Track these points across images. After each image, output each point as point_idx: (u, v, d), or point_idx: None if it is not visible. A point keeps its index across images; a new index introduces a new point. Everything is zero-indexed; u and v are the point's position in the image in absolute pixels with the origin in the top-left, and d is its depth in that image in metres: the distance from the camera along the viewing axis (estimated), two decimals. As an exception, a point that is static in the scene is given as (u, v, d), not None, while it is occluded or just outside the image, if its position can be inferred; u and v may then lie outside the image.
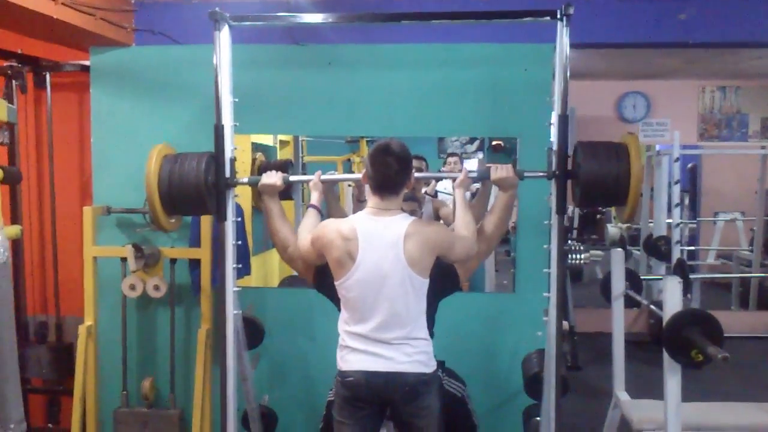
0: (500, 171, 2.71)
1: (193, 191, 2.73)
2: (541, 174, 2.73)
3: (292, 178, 2.88)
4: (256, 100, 3.44)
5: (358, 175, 2.86)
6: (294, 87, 3.69)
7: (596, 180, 2.61)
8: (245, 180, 2.89)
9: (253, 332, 3.32)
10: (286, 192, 2.90)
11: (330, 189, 3.08)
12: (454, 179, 2.78)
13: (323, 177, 2.85)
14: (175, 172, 2.73)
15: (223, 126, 2.80)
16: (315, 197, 2.80)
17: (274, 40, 3.64)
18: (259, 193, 2.87)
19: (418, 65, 3.64)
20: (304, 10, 3.54)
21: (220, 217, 2.83)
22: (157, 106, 3.75)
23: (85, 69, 3.83)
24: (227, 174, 2.82)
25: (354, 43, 3.66)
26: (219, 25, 2.77)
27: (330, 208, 3.15)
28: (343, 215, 3.10)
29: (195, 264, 3.66)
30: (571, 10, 2.60)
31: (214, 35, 2.77)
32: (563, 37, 2.63)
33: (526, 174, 2.75)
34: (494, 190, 2.86)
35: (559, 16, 2.64)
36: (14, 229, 3.25)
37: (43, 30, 3.44)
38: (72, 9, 3.18)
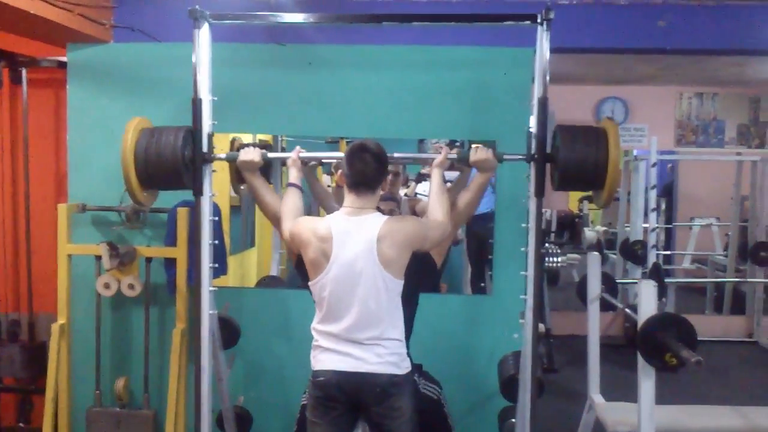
0: (480, 152, 2.73)
1: (169, 165, 2.69)
2: (520, 156, 2.73)
3: (271, 154, 2.86)
4: (236, 99, 3.42)
5: (337, 153, 2.84)
6: (274, 86, 3.68)
7: (575, 163, 2.61)
8: (223, 156, 2.86)
9: (229, 332, 3.30)
10: (265, 172, 2.89)
11: (310, 171, 3.07)
12: (432, 160, 2.78)
13: (302, 154, 2.82)
14: (152, 145, 2.70)
15: (201, 100, 2.77)
16: (293, 174, 2.77)
17: (255, 39, 3.63)
18: (237, 175, 2.85)
19: (400, 67, 3.65)
20: (286, 9, 3.52)
21: (196, 191, 2.80)
22: (134, 104, 3.71)
23: (62, 65, 3.78)
24: (204, 149, 2.80)
25: (335, 44, 3.65)
26: (199, 23, 2.74)
27: (311, 187, 3.14)
28: (325, 192, 3.09)
29: (170, 263, 3.62)
30: (552, 15, 2.61)
31: (194, 33, 2.75)
32: (543, 41, 2.64)
33: (505, 157, 2.76)
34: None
35: (539, 21, 2.65)
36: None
37: (20, 25, 3.39)
38: (49, 4, 3.14)
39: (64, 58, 3.76)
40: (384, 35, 3.66)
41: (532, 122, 2.71)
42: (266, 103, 3.68)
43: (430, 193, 2.69)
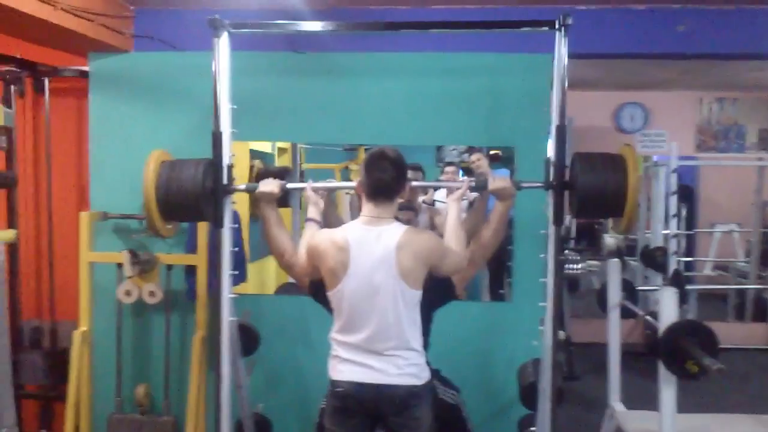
0: (498, 181, 2.72)
1: (190, 198, 2.72)
2: (539, 185, 2.73)
3: (290, 185, 2.87)
4: (255, 107, 3.45)
5: (350, 183, 2.86)
6: (292, 94, 3.70)
7: (593, 191, 2.61)
8: (243, 187, 2.88)
9: (249, 339, 3.32)
10: (283, 199, 2.90)
11: (326, 196, 3.08)
12: (450, 189, 2.78)
13: (314, 185, 2.84)
14: (173, 178, 2.72)
15: (221, 133, 2.79)
16: (312, 210, 2.79)
17: (273, 48, 3.65)
18: (256, 200, 2.87)
19: (417, 74, 3.65)
20: (304, 18, 3.54)
21: (217, 224, 2.82)
22: (155, 113, 3.75)
23: (84, 74, 3.83)
24: (225, 181, 2.81)
25: (353, 51, 3.67)
26: (218, 32, 2.77)
27: (326, 216, 3.14)
28: (339, 221, 3.09)
29: (191, 270, 3.65)
30: (570, 21, 2.61)
31: (214, 42, 2.77)
32: (561, 47, 2.64)
33: (523, 185, 2.75)
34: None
35: (557, 27, 2.65)
36: (9, 233, 3.25)
37: (42, 35, 3.44)
38: (71, 14, 3.18)
39: (85, 68, 3.80)
40: (401, 43, 3.68)
41: (550, 149, 2.70)
42: (285, 110, 3.70)
43: (447, 226, 2.65)
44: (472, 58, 3.61)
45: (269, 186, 2.79)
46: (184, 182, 2.72)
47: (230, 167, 2.85)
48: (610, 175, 2.60)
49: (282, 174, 3.11)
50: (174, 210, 2.77)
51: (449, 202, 2.72)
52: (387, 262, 2.43)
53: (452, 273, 2.64)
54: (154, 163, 2.75)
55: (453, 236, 2.61)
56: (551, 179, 2.69)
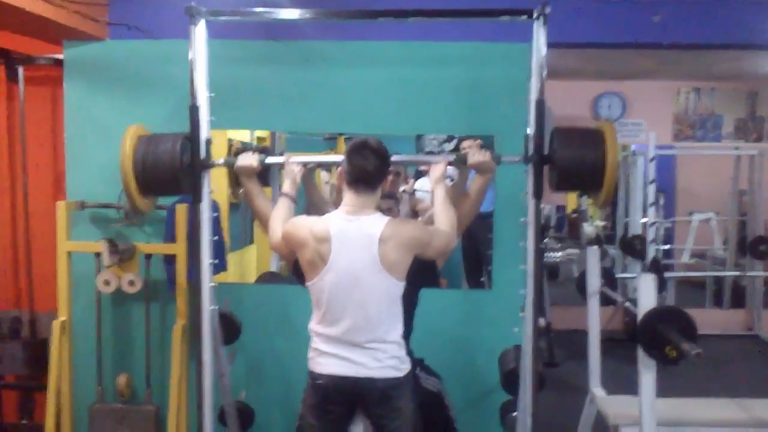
0: (478, 155, 2.72)
1: (168, 172, 2.71)
2: (518, 159, 2.74)
3: (269, 159, 2.86)
4: (233, 95, 3.43)
5: (332, 157, 2.85)
6: (271, 83, 3.68)
7: (572, 165, 2.63)
8: (221, 161, 2.87)
9: (230, 328, 3.31)
10: (263, 176, 2.89)
11: (308, 175, 3.06)
12: (431, 166, 2.78)
13: (294, 158, 2.82)
14: (150, 152, 2.71)
15: (198, 107, 2.77)
16: (287, 185, 2.76)
17: (251, 36, 3.62)
18: (235, 178, 2.85)
19: (396, 63, 3.64)
20: (282, 5, 3.52)
21: (195, 198, 2.81)
22: (131, 101, 3.71)
23: (59, 63, 3.78)
24: (203, 155, 2.80)
25: (331, 40, 3.65)
26: (195, 20, 2.74)
27: (308, 192, 3.14)
28: (322, 200, 3.07)
29: (170, 259, 3.63)
30: (548, 10, 2.62)
31: (191, 30, 2.75)
32: (540, 36, 2.65)
33: (503, 159, 2.77)
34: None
35: (536, 16, 2.66)
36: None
37: (16, 22, 3.39)
38: (45, 2, 3.14)
39: (60, 56, 3.75)
40: (380, 31, 3.66)
41: (530, 124, 2.71)
42: (263, 99, 3.68)
43: (435, 206, 2.66)
44: (452, 47, 3.60)
45: (248, 160, 2.78)
46: (162, 156, 2.71)
47: (208, 141, 2.83)
48: (590, 150, 2.62)
49: (261, 150, 3.09)
50: (152, 184, 2.76)
51: (432, 185, 2.72)
52: (370, 255, 2.42)
53: (441, 254, 2.64)
54: (131, 137, 2.73)
55: (443, 216, 2.61)
56: (530, 154, 2.70)
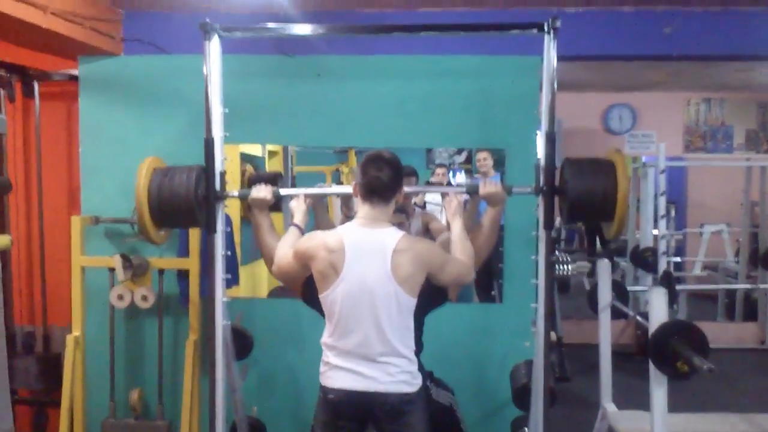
0: (489, 186, 2.71)
1: (183, 205, 2.71)
2: (529, 190, 2.74)
3: (282, 191, 2.88)
4: (246, 110, 3.44)
5: (342, 189, 2.86)
6: (283, 97, 3.71)
7: (583, 196, 2.62)
8: (235, 193, 2.89)
9: (242, 343, 3.32)
10: (275, 204, 2.90)
11: (318, 200, 3.08)
12: (443, 194, 2.79)
13: (307, 191, 2.87)
14: (165, 185, 2.71)
15: (213, 139, 2.79)
16: (298, 217, 2.79)
17: (264, 51, 3.66)
18: (248, 206, 2.87)
19: (407, 76, 3.67)
20: (294, 21, 3.56)
21: (209, 229, 2.82)
22: (146, 116, 3.75)
23: (74, 78, 3.82)
24: (217, 187, 2.81)
25: (343, 54, 3.68)
26: (209, 35, 2.77)
27: (318, 220, 3.15)
28: (331, 226, 3.08)
29: (183, 274, 3.65)
30: (558, 24, 2.63)
31: (204, 45, 2.77)
32: (550, 50, 2.66)
33: (514, 190, 2.76)
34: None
35: (546, 29, 2.67)
36: (4, 239, 3.23)
37: (32, 39, 3.44)
38: (61, 19, 3.18)
39: (75, 72, 3.80)
40: (391, 45, 3.68)
41: (540, 154, 2.71)
42: (275, 113, 3.71)
43: (452, 238, 2.65)
44: (462, 60, 3.63)
45: (261, 192, 2.79)
46: (177, 189, 2.71)
47: (222, 174, 2.85)
48: (600, 181, 2.61)
49: (274, 179, 3.12)
50: (166, 217, 2.76)
51: (449, 219, 2.72)
52: (383, 266, 2.41)
53: (454, 281, 2.62)
54: (146, 170, 2.74)
55: (459, 248, 2.60)
56: (541, 184, 2.71)
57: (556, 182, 2.73)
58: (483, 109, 3.63)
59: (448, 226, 2.77)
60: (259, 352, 3.54)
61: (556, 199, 2.76)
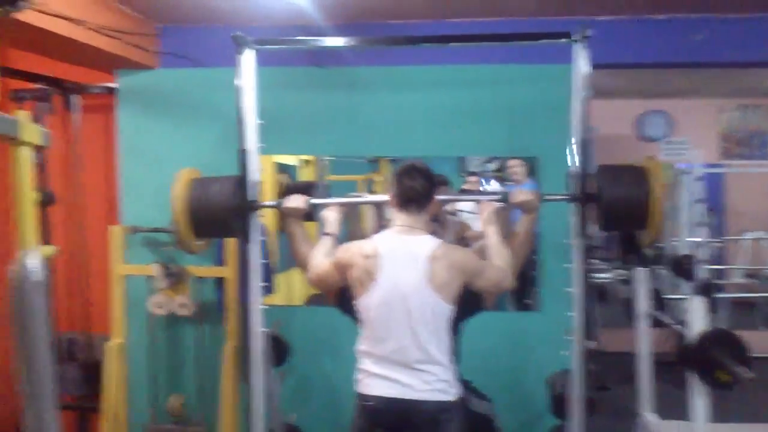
0: (522, 195, 2.72)
1: (219, 214, 2.75)
2: (563, 197, 2.73)
3: (315, 201, 2.90)
4: (280, 121, 3.49)
5: (374, 197, 2.87)
6: (316, 108, 3.75)
7: (618, 204, 2.61)
8: (269, 203, 2.92)
9: (280, 350, 3.35)
10: (309, 214, 2.93)
11: (351, 210, 3.10)
12: (480, 207, 2.79)
13: (340, 201, 2.92)
14: (202, 196, 2.76)
15: (247, 150, 2.83)
16: (330, 227, 2.81)
17: (297, 63, 3.70)
18: (282, 215, 2.89)
19: (438, 86, 3.69)
20: (325, 33, 3.59)
21: (245, 239, 2.86)
22: (182, 128, 3.81)
23: (111, 91, 3.90)
24: (252, 197, 2.85)
25: (374, 65, 3.71)
26: (242, 48, 2.81)
27: (351, 228, 3.17)
28: (363, 235, 3.10)
29: (221, 282, 3.69)
30: (589, 33, 2.62)
31: (238, 58, 2.81)
32: (581, 59, 2.66)
33: (547, 197, 2.76)
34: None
35: (576, 39, 2.66)
36: (49, 249, 3.30)
37: (71, 53, 3.51)
38: (99, 33, 3.25)
39: (113, 84, 3.87)
40: (422, 56, 3.71)
41: (574, 161, 2.70)
42: (309, 124, 3.75)
43: (489, 246, 2.65)
44: (493, 69, 3.64)
45: (295, 202, 2.82)
46: (213, 200, 2.75)
47: (258, 184, 2.88)
48: (635, 188, 2.59)
49: (308, 189, 3.14)
50: (203, 227, 2.80)
51: (484, 227, 2.72)
52: (419, 273, 2.42)
53: (492, 288, 2.60)
54: (183, 180, 2.78)
55: (497, 254, 2.60)
56: (575, 192, 2.69)
57: (590, 189, 2.72)
58: (513, 118, 3.64)
59: (483, 234, 2.77)
60: (296, 360, 3.56)
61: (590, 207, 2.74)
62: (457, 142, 3.70)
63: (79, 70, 3.94)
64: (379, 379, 2.48)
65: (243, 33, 2.80)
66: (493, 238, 2.66)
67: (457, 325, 2.62)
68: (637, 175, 2.63)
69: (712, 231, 7.55)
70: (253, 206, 2.86)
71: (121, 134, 3.86)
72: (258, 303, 2.90)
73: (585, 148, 2.65)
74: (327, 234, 2.79)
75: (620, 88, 6.26)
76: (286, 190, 3.63)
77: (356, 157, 4.16)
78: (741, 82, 5.99)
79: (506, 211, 2.99)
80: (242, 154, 2.83)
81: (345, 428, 2.87)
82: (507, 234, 2.82)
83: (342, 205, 2.92)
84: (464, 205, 4.27)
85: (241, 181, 2.83)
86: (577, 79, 2.67)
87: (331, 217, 2.84)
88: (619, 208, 2.62)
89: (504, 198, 2.77)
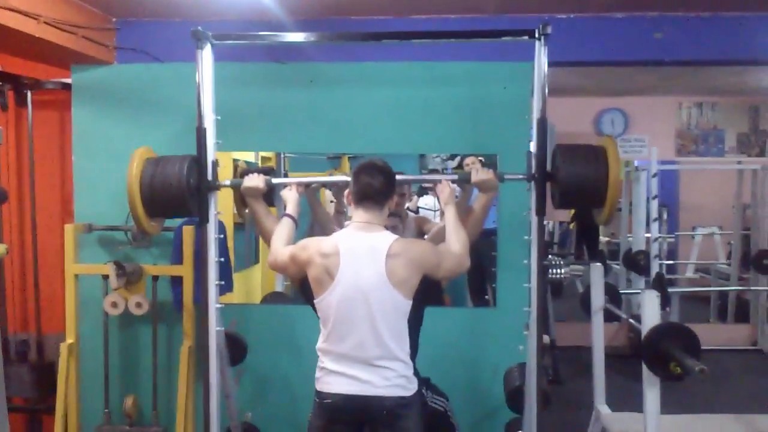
0: (481, 173, 2.74)
1: (175, 194, 2.72)
2: (521, 176, 2.76)
3: (275, 180, 2.90)
4: (239, 117, 3.46)
5: (333, 178, 2.86)
6: (276, 104, 3.72)
7: (575, 182, 2.64)
8: (227, 182, 2.90)
9: (236, 349, 3.32)
10: (268, 198, 2.92)
11: (312, 194, 3.10)
12: (435, 185, 2.81)
13: (300, 180, 2.90)
14: (157, 174, 2.73)
15: (205, 129, 2.80)
16: (290, 207, 2.81)
17: (257, 58, 3.67)
18: (241, 199, 2.88)
19: (400, 83, 3.69)
20: (286, 28, 3.57)
21: (202, 220, 2.84)
22: (139, 124, 3.75)
23: (67, 87, 3.83)
24: (209, 177, 2.83)
25: (336, 62, 3.70)
26: (201, 43, 2.78)
27: (313, 210, 3.17)
28: (327, 218, 3.10)
29: (177, 281, 3.66)
30: (549, 30, 2.65)
31: (197, 54, 2.78)
32: (541, 56, 2.68)
33: (506, 176, 2.79)
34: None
35: (537, 36, 2.69)
36: (0, 248, 3.24)
37: (25, 48, 3.45)
38: (53, 27, 3.19)
39: (68, 80, 3.80)
40: (384, 52, 3.71)
41: (532, 142, 2.73)
42: (268, 121, 3.72)
43: (447, 227, 2.67)
44: (455, 66, 3.65)
45: (254, 181, 2.82)
46: (169, 178, 2.72)
47: (215, 163, 2.86)
48: (592, 166, 2.63)
49: (267, 172, 3.13)
50: (158, 206, 2.77)
51: (442, 206, 2.75)
52: (378, 270, 2.43)
53: (451, 275, 2.64)
54: (138, 159, 2.75)
55: (454, 237, 2.62)
56: (533, 171, 2.73)
57: (548, 169, 2.75)
58: (475, 115, 3.65)
59: (442, 216, 2.80)
60: (253, 358, 3.54)
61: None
62: (418, 140, 3.71)
63: (34, 65, 3.87)
64: (338, 376, 2.49)
65: (202, 28, 2.77)
66: (451, 218, 2.67)
67: (417, 314, 2.63)
68: (594, 153, 2.67)
69: (665, 227, 7.75)
70: (211, 186, 2.84)
71: (76, 130, 3.79)
72: (215, 301, 2.88)
73: (543, 127, 2.67)
74: (287, 215, 2.79)
75: (579, 85, 6.34)
76: (243, 173, 3.61)
77: (317, 153, 4.16)
78: (698, 80, 6.11)
79: (466, 193, 3.02)
80: (199, 133, 2.80)
81: (302, 426, 2.87)
82: (464, 212, 2.86)
83: (301, 185, 2.91)
84: (424, 203, 4.30)
85: (198, 161, 2.81)
86: (537, 77, 2.69)
87: (291, 197, 2.83)
88: (577, 186, 2.65)
89: (464, 177, 2.80)
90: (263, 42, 3.17)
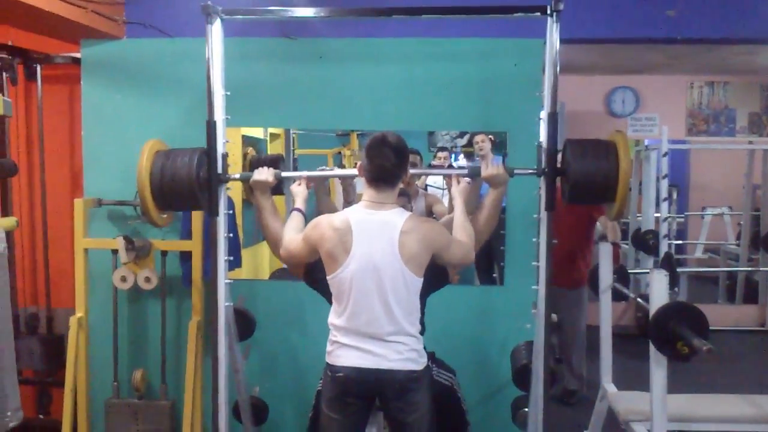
0: (491, 168, 2.72)
1: (185, 187, 2.73)
2: (531, 171, 2.75)
3: (284, 174, 2.89)
4: (248, 93, 3.45)
5: (345, 171, 2.87)
6: (285, 80, 3.70)
7: (585, 178, 2.64)
8: (237, 176, 2.90)
9: (245, 324, 3.34)
10: (277, 187, 2.92)
11: (320, 183, 3.10)
12: (446, 176, 2.81)
13: (310, 174, 2.90)
14: (167, 167, 2.73)
15: (215, 122, 2.80)
16: (299, 201, 2.82)
17: (265, 34, 3.65)
18: (250, 188, 2.88)
19: (409, 59, 3.66)
20: (296, 4, 3.54)
21: (212, 212, 2.84)
22: (148, 99, 3.75)
23: (76, 61, 3.82)
24: (219, 170, 2.82)
25: (345, 37, 3.67)
26: (211, 18, 2.77)
27: (320, 203, 3.17)
28: (333, 210, 3.10)
29: (186, 256, 3.67)
30: (561, 6, 2.62)
31: (207, 29, 2.77)
32: (553, 32, 2.65)
33: (515, 171, 2.77)
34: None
35: (549, 12, 2.66)
36: (10, 221, 3.26)
37: (34, 22, 3.43)
38: (63, 2, 3.18)
39: (77, 55, 3.79)
40: (393, 28, 3.68)
41: (542, 136, 2.71)
42: (277, 96, 3.71)
43: (455, 220, 2.67)
44: (465, 43, 3.62)
45: (263, 175, 2.81)
46: (179, 172, 2.72)
47: (224, 156, 2.86)
48: (602, 162, 2.62)
49: (276, 162, 3.13)
50: (168, 200, 2.78)
51: (453, 201, 2.74)
52: (391, 246, 2.44)
53: (457, 264, 2.66)
54: (148, 152, 2.75)
55: (461, 229, 2.62)
56: (543, 166, 2.71)
57: (558, 164, 2.74)
58: (485, 92, 3.62)
59: (451, 208, 2.79)
60: (261, 333, 3.56)
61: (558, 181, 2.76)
62: (427, 116, 3.69)
63: (43, 39, 3.86)
64: (351, 349, 2.51)
65: (212, 2, 2.76)
66: (459, 212, 2.67)
67: (422, 297, 2.64)
68: (604, 149, 2.66)
69: (675, 206, 7.72)
70: (220, 179, 2.84)
71: (86, 105, 3.78)
72: (224, 277, 2.89)
73: (554, 121, 2.66)
74: (296, 210, 2.79)
75: (590, 63, 6.29)
76: (253, 163, 3.62)
77: (326, 130, 4.15)
78: (709, 59, 6.05)
79: (476, 185, 3.01)
80: (210, 126, 2.80)
81: (309, 401, 2.90)
82: (475, 208, 2.85)
83: (311, 178, 2.91)
84: (433, 181, 4.29)
85: (208, 154, 2.81)
86: (548, 54, 2.67)
87: (300, 192, 2.84)
88: (587, 182, 2.65)
89: (473, 172, 2.79)
90: (273, 17, 3.15)
